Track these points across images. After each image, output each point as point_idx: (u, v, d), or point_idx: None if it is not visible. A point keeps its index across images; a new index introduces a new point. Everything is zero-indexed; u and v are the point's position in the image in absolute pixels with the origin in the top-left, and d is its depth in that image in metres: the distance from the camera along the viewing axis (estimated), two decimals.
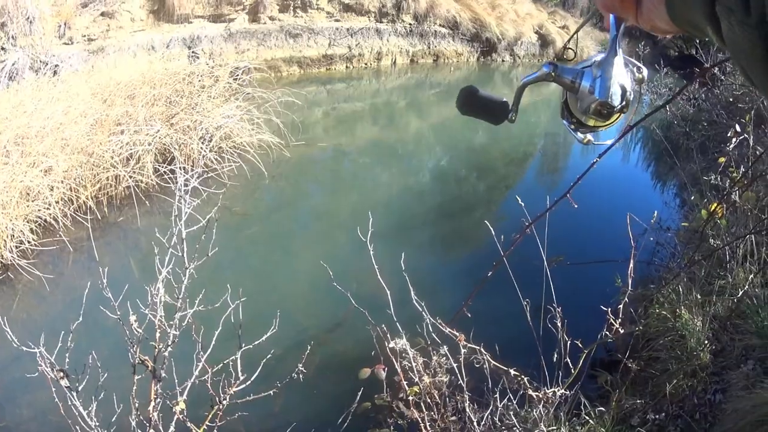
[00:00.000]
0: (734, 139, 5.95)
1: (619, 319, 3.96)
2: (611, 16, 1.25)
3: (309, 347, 4.46)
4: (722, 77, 14.21)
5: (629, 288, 4.14)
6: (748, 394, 5.12)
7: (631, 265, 4.18)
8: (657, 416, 5.25)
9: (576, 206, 2.69)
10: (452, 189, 13.03)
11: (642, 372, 5.98)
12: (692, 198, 9.10)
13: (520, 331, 4.90)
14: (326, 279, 5.05)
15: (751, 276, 6.38)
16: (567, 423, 4.78)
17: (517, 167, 15.13)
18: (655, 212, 5.25)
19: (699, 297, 6.40)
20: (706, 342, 5.88)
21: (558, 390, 4.22)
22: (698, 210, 6.66)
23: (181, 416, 3.66)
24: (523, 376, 4.03)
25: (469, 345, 3.98)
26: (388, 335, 4.21)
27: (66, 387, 3.63)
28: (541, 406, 4.36)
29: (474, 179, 13.89)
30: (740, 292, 6.12)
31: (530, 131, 18.59)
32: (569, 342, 4.28)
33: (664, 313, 6.40)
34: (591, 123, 1.41)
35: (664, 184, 13.87)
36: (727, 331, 6.16)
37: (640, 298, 6.91)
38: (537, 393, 4.10)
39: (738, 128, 6.00)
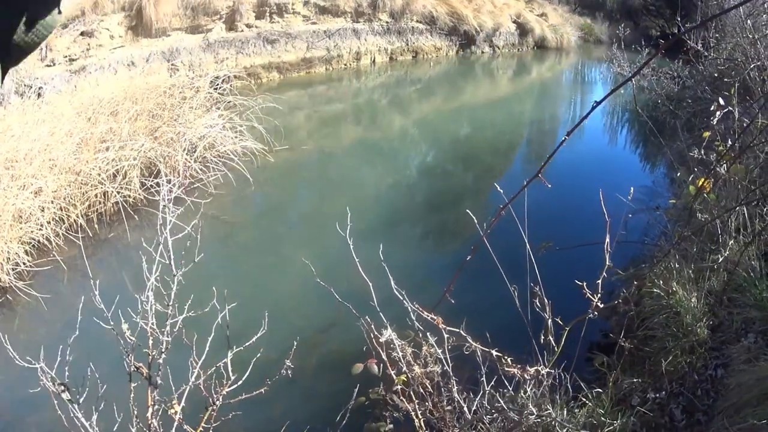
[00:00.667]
0: (718, 113, 5.99)
1: (598, 294, 4.04)
2: None
3: (302, 347, 4.55)
4: (705, 53, 14.25)
5: (607, 262, 4.21)
6: (751, 367, 5.09)
7: (607, 239, 4.25)
8: (657, 395, 5.25)
9: (549, 186, 2.76)
10: (438, 183, 13.10)
11: (639, 351, 5.98)
12: (679, 175, 9.16)
13: (511, 318, 4.96)
14: (314, 281, 5.12)
15: (740, 245, 6.44)
16: (564, 406, 4.84)
17: (503, 158, 15.19)
18: (632, 188, 5.28)
19: (692, 273, 6.44)
20: (702, 317, 5.89)
21: (542, 369, 4.30)
22: (686, 186, 6.71)
23: (177, 417, 3.75)
24: (506, 357, 4.11)
25: (448, 328, 4.06)
26: (375, 326, 4.30)
27: (67, 400, 3.72)
28: (529, 388, 4.44)
29: (460, 172, 13.96)
30: (732, 265, 6.17)
31: (515, 120, 18.64)
32: (550, 320, 4.35)
33: (658, 291, 6.42)
34: None
35: (653, 164, 13.97)
36: (724, 305, 6.17)
37: (632, 278, 6.94)
38: (516, 369, 4.17)
39: (722, 101, 6.04)
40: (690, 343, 5.73)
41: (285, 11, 21.42)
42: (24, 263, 8.24)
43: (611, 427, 4.64)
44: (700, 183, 5.34)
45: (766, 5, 11.58)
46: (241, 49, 20.28)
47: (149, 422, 3.83)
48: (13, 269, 8.07)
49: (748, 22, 11.28)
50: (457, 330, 4.08)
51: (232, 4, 20.11)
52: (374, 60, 24.08)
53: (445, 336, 4.16)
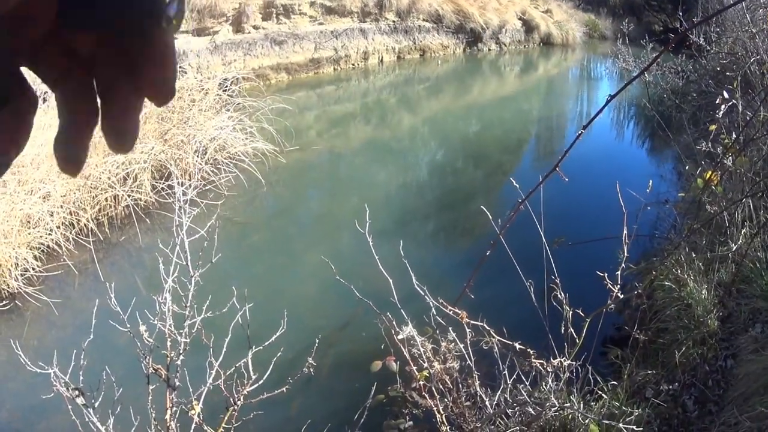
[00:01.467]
0: (723, 106, 5.97)
1: (618, 285, 4.00)
2: None
3: (320, 347, 4.52)
4: (708, 47, 14.24)
5: (625, 253, 4.17)
6: (758, 357, 5.16)
7: (625, 231, 4.21)
8: (670, 386, 5.27)
9: (566, 180, 2.69)
10: (449, 181, 13.07)
11: (652, 344, 6.02)
12: (687, 168, 9.14)
13: (528, 314, 4.95)
14: (332, 280, 5.08)
15: (746, 237, 6.43)
16: (581, 400, 4.81)
17: (512, 155, 15.16)
18: (650, 181, 5.26)
19: (701, 265, 6.43)
20: (712, 309, 5.91)
21: (565, 360, 4.26)
22: (694, 180, 6.69)
23: (197, 419, 3.69)
24: (529, 349, 4.07)
25: (472, 322, 4.02)
26: (394, 323, 4.25)
27: (82, 404, 3.66)
28: (550, 380, 4.40)
29: (470, 169, 13.91)
30: (741, 257, 6.15)
31: (523, 118, 18.61)
32: (571, 312, 4.31)
33: (669, 284, 6.43)
34: None
35: (660, 158, 13.94)
36: (732, 296, 6.19)
37: (644, 272, 6.95)
38: (541, 361, 4.14)
39: (726, 94, 6.01)
40: (701, 334, 5.81)
41: (292, 12, 21.40)
42: (33, 268, 8.18)
43: (629, 418, 4.60)
44: (708, 176, 5.31)
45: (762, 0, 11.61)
46: (249, 51, 20.25)
47: (167, 424, 3.77)
48: (22, 275, 8.01)
49: (747, 16, 11.30)
50: (481, 324, 4.04)
51: (238, 6, 20.09)
52: (382, 59, 24.06)
53: (467, 331, 4.11)
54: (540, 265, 4.86)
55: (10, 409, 6.19)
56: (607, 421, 4.38)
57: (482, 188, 12.63)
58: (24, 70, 0.54)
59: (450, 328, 4.33)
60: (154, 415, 3.83)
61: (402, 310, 4.36)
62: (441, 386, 4.41)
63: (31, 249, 8.44)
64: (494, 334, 4.09)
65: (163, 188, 10.04)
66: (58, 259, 8.60)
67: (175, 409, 3.82)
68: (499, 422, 4.61)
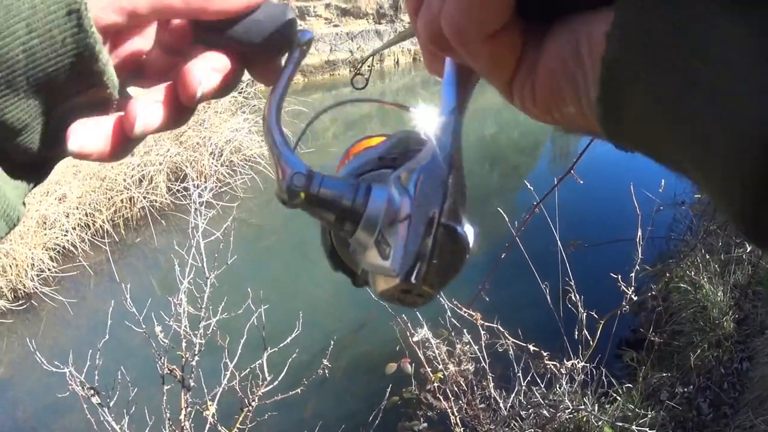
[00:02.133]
0: None
1: (633, 287, 4.00)
2: (448, 62, 0.59)
3: (335, 348, 4.51)
4: None
5: (640, 255, 4.18)
6: None
7: (639, 233, 4.22)
8: (685, 389, 5.26)
9: (581, 182, 2.70)
10: (466, 182, 13.07)
11: (667, 346, 6.00)
12: None
13: (543, 316, 4.94)
14: (347, 282, 5.08)
15: None
16: (596, 402, 4.81)
17: (528, 156, 15.13)
18: (663, 181, 5.26)
19: (717, 267, 6.42)
20: (728, 311, 5.90)
21: (579, 363, 4.26)
22: None
23: (212, 419, 3.70)
24: (543, 351, 4.07)
25: (487, 324, 4.02)
26: (409, 325, 4.26)
27: (97, 404, 3.68)
28: (564, 382, 4.40)
29: (486, 171, 13.89)
30: (757, 259, 6.14)
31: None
32: (585, 314, 4.31)
33: (685, 286, 6.42)
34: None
35: None
36: (748, 298, 6.18)
37: (660, 274, 6.93)
38: (556, 363, 4.14)
39: None
40: (716, 336, 5.78)
41: (307, 14, 21.40)
42: (49, 269, 8.22)
43: (643, 421, 4.59)
44: None
45: None
46: None
47: (182, 425, 3.78)
48: (38, 275, 8.05)
49: None
50: (496, 326, 4.04)
51: None
52: (398, 61, 24.01)
53: (482, 333, 4.12)
54: (555, 267, 4.85)
55: (26, 408, 6.23)
56: (621, 424, 4.38)
57: (497, 190, 12.61)
58: None
59: (465, 330, 4.33)
60: (168, 415, 3.85)
61: (417, 312, 4.36)
62: (455, 388, 4.41)
63: (47, 249, 8.48)
64: (509, 336, 4.10)
65: (178, 190, 10.05)
66: (74, 259, 8.63)
67: (189, 409, 3.83)
68: (513, 424, 4.61)
